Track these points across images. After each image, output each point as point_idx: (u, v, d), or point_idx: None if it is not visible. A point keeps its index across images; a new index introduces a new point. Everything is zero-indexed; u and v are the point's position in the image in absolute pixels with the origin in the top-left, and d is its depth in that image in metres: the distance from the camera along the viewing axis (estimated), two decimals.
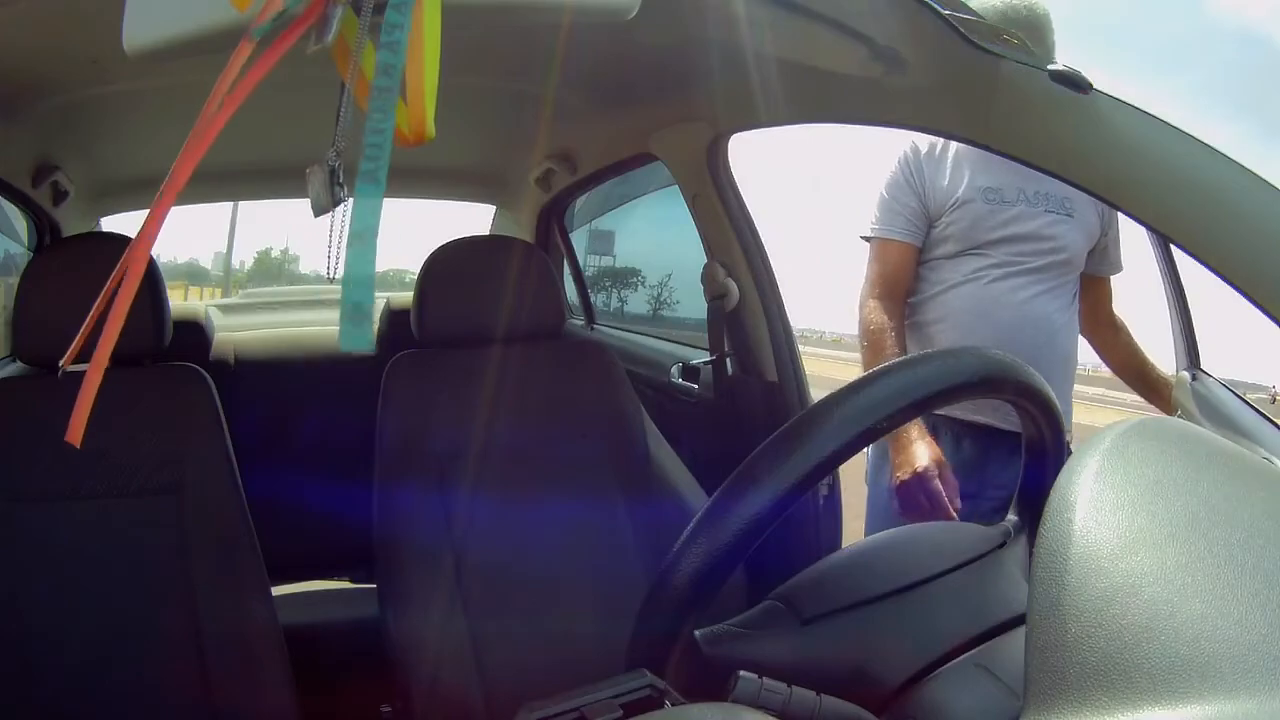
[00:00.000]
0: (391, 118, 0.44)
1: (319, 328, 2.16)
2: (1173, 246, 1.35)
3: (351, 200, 0.44)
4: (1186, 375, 1.36)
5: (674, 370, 1.67)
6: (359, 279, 0.43)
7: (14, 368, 1.35)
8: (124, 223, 2.06)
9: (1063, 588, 0.32)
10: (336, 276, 0.43)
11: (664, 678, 0.45)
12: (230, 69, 0.45)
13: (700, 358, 1.63)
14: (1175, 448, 0.39)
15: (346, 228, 0.44)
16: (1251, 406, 1.21)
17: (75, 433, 0.47)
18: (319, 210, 0.45)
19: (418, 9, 0.45)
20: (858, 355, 1.50)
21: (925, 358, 0.56)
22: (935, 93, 0.91)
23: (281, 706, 1.10)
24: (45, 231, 1.73)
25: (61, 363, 0.54)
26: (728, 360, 1.53)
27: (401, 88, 0.46)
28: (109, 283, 0.48)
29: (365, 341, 0.43)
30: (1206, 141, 0.75)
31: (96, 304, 0.48)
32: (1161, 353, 1.46)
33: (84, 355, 0.48)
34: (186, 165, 0.45)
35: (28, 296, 1.11)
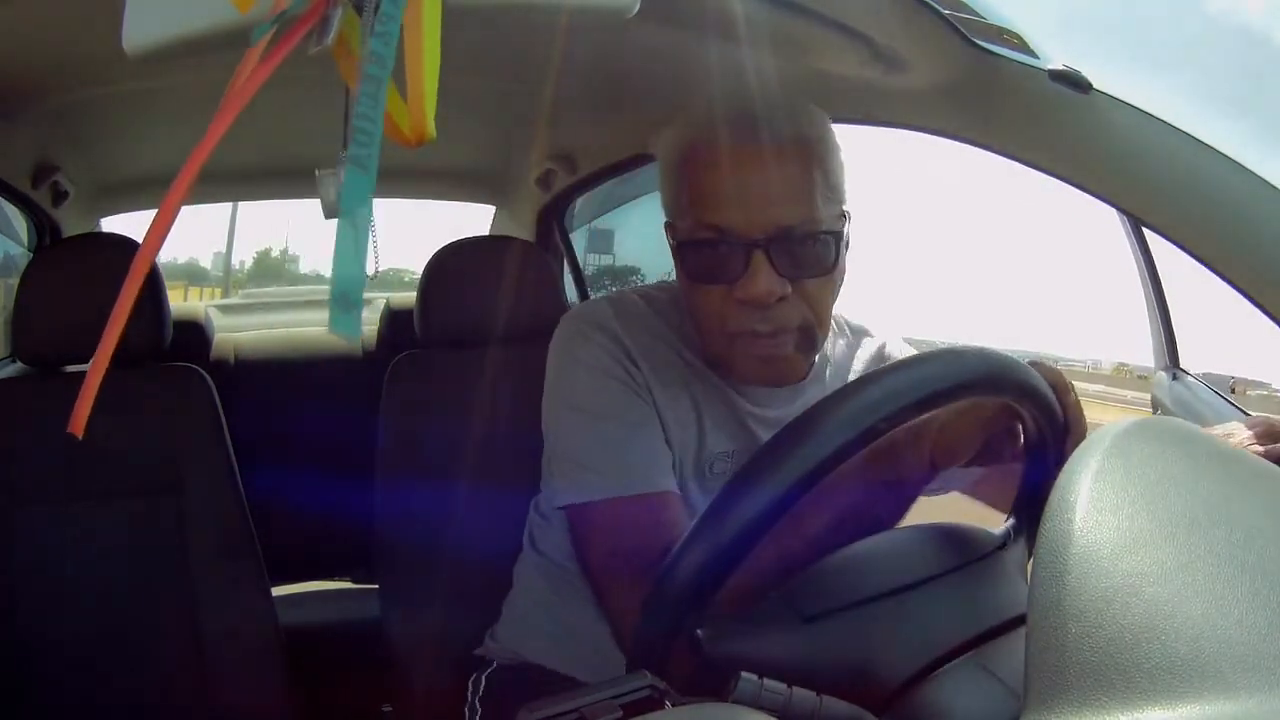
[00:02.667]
0: (381, 105, 0.42)
1: (319, 328, 2.15)
2: (1150, 245, 1.35)
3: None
4: (1165, 374, 1.35)
5: None
6: (347, 264, 0.41)
7: (14, 368, 1.35)
8: (124, 223, 2.05)
9: (1063, 588, 0.32)
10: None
11: (665, 677, 0.45)
12: (242, 70, 0.45)
13: None
14: (1175, 448, 0.39)
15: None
16: (1236, 406, 1.20)
17: (78, 424, 0.47)
18: (330, 214, 0.45)
19: (417, 8, 0.45)
20: None
21: (927, 357, 0.56)
22: (935, 93, 0.91)
23: (281, 706, 1.10)
24: (45, 232, 1.72)
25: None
26: None
27: (402, 88, 0.46)
28: (126, 285, 0.47)
29: (353, 328, 0.41)
30: (1206, 141, 0.75)
31: (117, 307, 0.48)
32: (1140, 350, 1.44)
33: (87, 355, 0.48)
34: (190, 169, 0.45)
35: (28, 297, 1.11)
